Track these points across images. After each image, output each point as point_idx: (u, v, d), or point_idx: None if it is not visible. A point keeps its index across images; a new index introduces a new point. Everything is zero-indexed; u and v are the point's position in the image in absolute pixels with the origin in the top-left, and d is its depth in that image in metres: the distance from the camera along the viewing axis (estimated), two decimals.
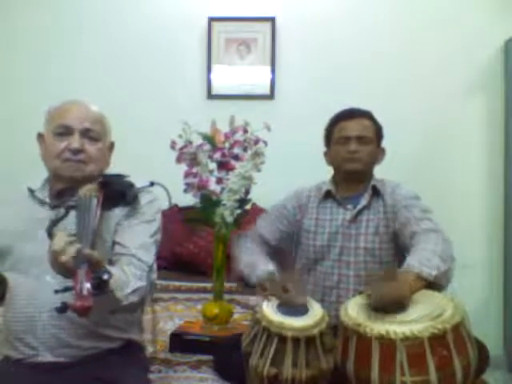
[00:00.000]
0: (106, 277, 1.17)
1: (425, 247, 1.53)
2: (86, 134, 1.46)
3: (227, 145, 1.91)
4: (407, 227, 1.69)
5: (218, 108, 2.86)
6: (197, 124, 1.91)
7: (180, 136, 1.90)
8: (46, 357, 1.37)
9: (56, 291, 1.11)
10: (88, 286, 1.10)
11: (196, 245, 2.86)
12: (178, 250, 2.88)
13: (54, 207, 1.44)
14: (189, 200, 1.94)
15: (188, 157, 1.89)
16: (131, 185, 1.46)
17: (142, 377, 1.49)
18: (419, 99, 3.12)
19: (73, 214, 1.36)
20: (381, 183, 1.88)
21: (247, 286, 1.80)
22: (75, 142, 1.43)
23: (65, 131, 1.45)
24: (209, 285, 2.37)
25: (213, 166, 1.91)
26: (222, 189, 1.88)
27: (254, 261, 1.76)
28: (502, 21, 3.08)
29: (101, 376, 1.38)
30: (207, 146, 1.90)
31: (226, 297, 2.03)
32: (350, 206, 1.86)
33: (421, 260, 1.47)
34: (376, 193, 1.86)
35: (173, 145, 1.90)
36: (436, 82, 3.12)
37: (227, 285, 2.02)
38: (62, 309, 1.08)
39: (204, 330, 1.89)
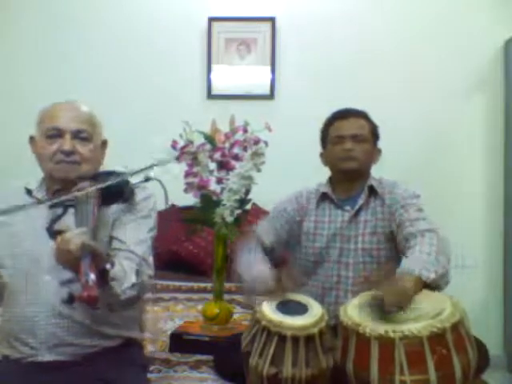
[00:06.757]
0: (108, 266, 1.22)
1: (421, 249, 1.54)
2: (76, 135, 1.45)
3: (227, 145, 1.91)
4: (402, 228, 1.69)
5: (218, 108, 2.86)
6: (197, 124, 1.91)
7: (181, 136, 1.90)
8: (46, 356, 1.37)
9: (62, 283, 1.13)
10: (93, 276, 1.12)
11: (196, 245, 2.85)
12: (177, 250, 2.88)
13: (51, 207, 1.44)
14: (188, 200, 1.94)
15: (189, 156, 1.90)
16: (127, 181, 1.46)
17: (141, 376, 1.50)
18: (419, 99, 3.12)
19: (70, 211, 1.37)
20: (378, 182, 1.86)
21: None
22: (66, 143, 1.43)
23: (56, 133, 1.44)
24: (209, 285, 2.37)
25: (213, 165, 1.92)
26: (222, 189, 1.88)
27: (250, 260, 1.73)
28: (502, 21, 3.08)
29: (100, 375, 1.38)
30: (208, 146, 1.90)
31: (226, 297, 2.03)
32: (347, 208, 1.84)
33: (418, 262, 1.49)
34: (373, 193, 1.84)
35: (174, 144, 1.90)
36: (436, 81, 3.12)
37: (227, 285, 2.02)
38: (69, 300, 1.11)
39: (204, 330, 1.89)
